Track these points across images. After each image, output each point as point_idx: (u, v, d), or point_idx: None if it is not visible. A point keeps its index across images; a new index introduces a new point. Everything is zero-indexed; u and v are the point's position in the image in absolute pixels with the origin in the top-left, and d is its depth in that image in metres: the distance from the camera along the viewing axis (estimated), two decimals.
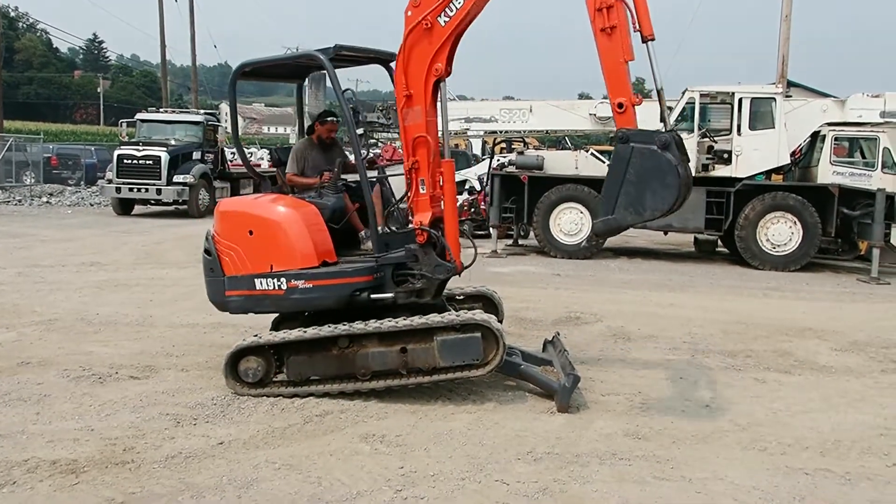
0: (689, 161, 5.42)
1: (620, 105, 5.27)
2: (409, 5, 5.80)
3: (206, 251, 6.47)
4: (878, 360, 7.66)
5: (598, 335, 8.39)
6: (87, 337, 7.75)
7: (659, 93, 5.54)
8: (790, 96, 16.14)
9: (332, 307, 6.15)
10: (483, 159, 21.91)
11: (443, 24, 5.71)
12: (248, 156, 29.00)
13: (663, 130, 5.35)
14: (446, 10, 5.68)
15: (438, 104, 6.02)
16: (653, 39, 5.28)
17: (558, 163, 16.13)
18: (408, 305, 6.08)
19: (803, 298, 11.43)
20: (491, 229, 15.93)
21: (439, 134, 6.06)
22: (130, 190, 20.87)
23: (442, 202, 6.06)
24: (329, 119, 7.03)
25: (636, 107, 5.30)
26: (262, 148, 31.67)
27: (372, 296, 6.02)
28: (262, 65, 6.74)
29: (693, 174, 14.35)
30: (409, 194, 6.08)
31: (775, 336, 8.57)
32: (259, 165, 27.37)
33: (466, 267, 6.20)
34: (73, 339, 7.61)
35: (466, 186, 19.34)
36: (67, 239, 15.78)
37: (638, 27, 5.25)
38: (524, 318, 8.99)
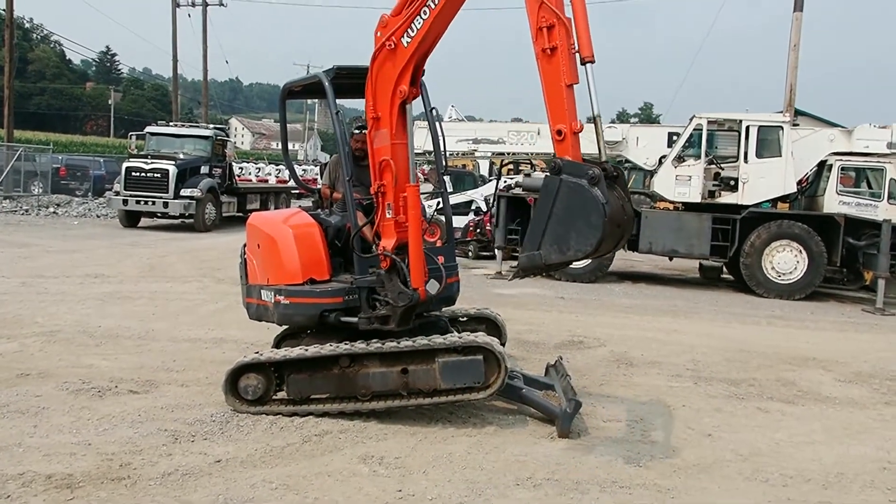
0: (627, 199, 5.06)
1: (560, 132, 4.98)
2: (378, 26, 5.76)
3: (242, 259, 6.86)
4: (882, 392, 7.60)
5: (600, 360, 8.34)
6: (89, 349, 7.74)
7: (595, 120, 5.06)
8: (797, 125, 16.16)
9: (306, 325, 6.22)
10: (490, 180, 21.97)
11: (405, 44, 5.62)
12: (257, 171, 29.01)
13: (595, 162, 4.99)
14: (408, 30, 5.59)
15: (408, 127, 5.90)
16: (592, 62, 4.90)
17: None
18: (380, 332, 5.95)
19: (807, 328, 11.37)
20: (496, 250, 15.92)
21: (410, 157, 5.91)
22: (137, 202, 20.93)
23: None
24: (356, 131, 6.90)
25: (578, 134, 4.99)
26: (270, 163, 31.75)
27: (342, 318, 5.99)
28: (303, 83, 6.89)
29: (699, 201, 14.58)
30: (375, 218, 5.99)
31: (779, 365, 8.52)
32: (267, 181, 27.52)
33: (434, 296, 5.94)
34: (74, 352, 7.60)
35: (473, 207, 19.38)
36: (72, 250, 15.81)
37: (577, 48, 4.92)
38: (527, 340, 8.95)
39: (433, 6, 5.49)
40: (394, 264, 5.85)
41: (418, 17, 5.54)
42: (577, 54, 4.94)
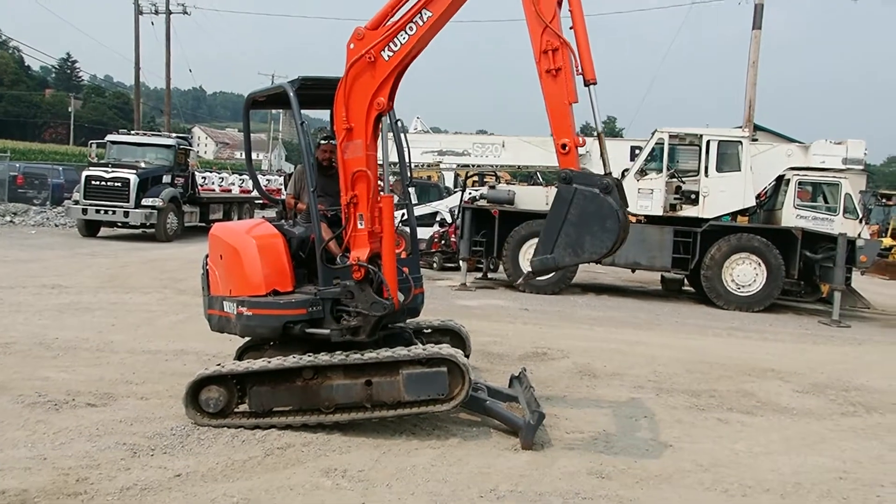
0: (627, 206, 5.50)
1: (564, 146, 5.31)
2: (351, 38, 5.78)
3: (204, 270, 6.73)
4: (838, 403, 7.76)
5: (564, 371, 8.39)
6: (45, 361, 7.57)
7: (599, 135, 5.57)
8: (756, 140, 16.47)
9: (269, 337, 6.18)
10: (455, 192, 22.01)
11: (386, 58, 5.69)
12: (220, 181, 28.69)
13: (603, 174, 5.42)
14: (390, 44, 5.66)
15: (381, 138, 5.97)
16: (595, 83, 5.32)
17: (529, 198, 16.25)
18: (345, 343, 5.95)
19: (766, 339, 11.57)
20: (461, 262, 15.96)
21: (380, 168, 5.97)
22: (97, 212, 20.59)
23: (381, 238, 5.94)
24: (322, 142, 6.89)
25: (579, 148, 5.35)
26: (233, 173, 31.45)
27: (307, 330, 5.96)
28: (268, 93, 6.84)
29: (661, 214, 14.81)
30: (346, 229, 5.96)
31: (738, 376, 8.65)
32: (230, 190, 27.25)
33: (403, 304, 6.02)
34: (30, 364, 7.43)
35: (438, 219, 19.40)
36: (30, 260, 15.49)
37: (581, 70, 5.31)
38: (491, 352, 8.97)
39: (421, 23, 5.60)
40: (368, 274, 5.84)
41: (402, 32, 5.63)
42: (581, 76, 5.30)
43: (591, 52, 5.31)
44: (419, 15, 5.60)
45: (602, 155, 5.57)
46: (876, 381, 8.90)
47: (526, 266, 15.18)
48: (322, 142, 6.87)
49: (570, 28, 5.35)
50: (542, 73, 5.34)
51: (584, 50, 5.30)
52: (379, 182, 5.93)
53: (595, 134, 5.55)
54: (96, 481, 4.73)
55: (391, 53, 5.68)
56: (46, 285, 12.18)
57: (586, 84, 5.33)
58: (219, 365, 5.99)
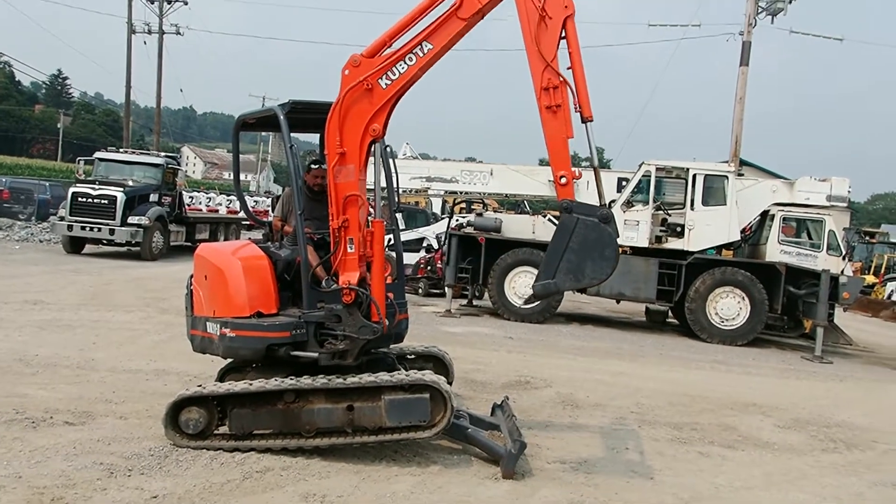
0: (618, 236, 5.78)
1: (562, 178, 5.55)
2: (347, 64, 5.81)
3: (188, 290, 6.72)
4: (819, 439, 7.78)
5: (546, 401, 8.38)
6: (24, 378, 7.49)
7: (595, 170, 5.74)
8: (742, 175, 16.64)
9: (251, 359, 6.16)
10: (442, 218, 22.07)
11: (384, 86, 5.76)
12: (208, 201, 28.56)
13: (599, 205, 5.66)
14: (388, 73, 5.73)
15: (374, 163, 6.06)
16: (591, 120, 5.58)
17: (516, 226, 16.32)
18: (328, 367, 5.94)
19: (749, 373, 11.61)
20: (446, 289, 15.96)
21: (370, 193, 6.07)
22: (83, 228, 20.46)
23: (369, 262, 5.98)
24: (314, 166, 6.88)
25: (576, 180, 5.61)
26: (221, 193, 31.44)
27: (292, 352, 5.94)
28: (258, 116, 6.89)
29: (647, 245, 14.92)
30: (335, 253, 5.94)
31: (720, 410, 8.66)
32: (217, 211, 27.21)
33: (388, 328, 6.04)
34: (9, 381, 7.34)
35: (424, 245, 19.43)
36: (12, 275, 15.35)
37: (578, 108, 5.57)
38: (474, 380, 8.95)
39: (421, 54, 5.69)
40: (357, 298, 5.84)
41: (402, 62, 5.71)
42: (579, 113, 5.57)
43: (588, 90, 5.54)
44: (419, 47, 5.69)
45: (598, 187, 5.75)
46: (857, 417, 8.94)
47: (511, 294, 15.23)
48: (313, 166, 6.88)
49: (568, 68, 5.55)
50: (543, 109, 5.56)
51: (581, 89, 5.54)
52: (369, 207, 5.97)
53: (591, 167, 5.77)
54: (72, 501, 4.67)
55: (389, 82, 5.75)
56: (28, 301, 12.08)
57: (583, 121, 5.57)
58: (200, 386, 5.95)
